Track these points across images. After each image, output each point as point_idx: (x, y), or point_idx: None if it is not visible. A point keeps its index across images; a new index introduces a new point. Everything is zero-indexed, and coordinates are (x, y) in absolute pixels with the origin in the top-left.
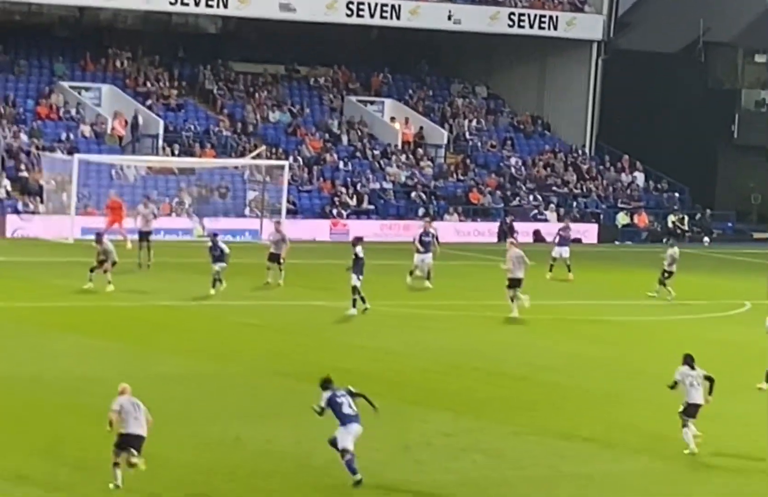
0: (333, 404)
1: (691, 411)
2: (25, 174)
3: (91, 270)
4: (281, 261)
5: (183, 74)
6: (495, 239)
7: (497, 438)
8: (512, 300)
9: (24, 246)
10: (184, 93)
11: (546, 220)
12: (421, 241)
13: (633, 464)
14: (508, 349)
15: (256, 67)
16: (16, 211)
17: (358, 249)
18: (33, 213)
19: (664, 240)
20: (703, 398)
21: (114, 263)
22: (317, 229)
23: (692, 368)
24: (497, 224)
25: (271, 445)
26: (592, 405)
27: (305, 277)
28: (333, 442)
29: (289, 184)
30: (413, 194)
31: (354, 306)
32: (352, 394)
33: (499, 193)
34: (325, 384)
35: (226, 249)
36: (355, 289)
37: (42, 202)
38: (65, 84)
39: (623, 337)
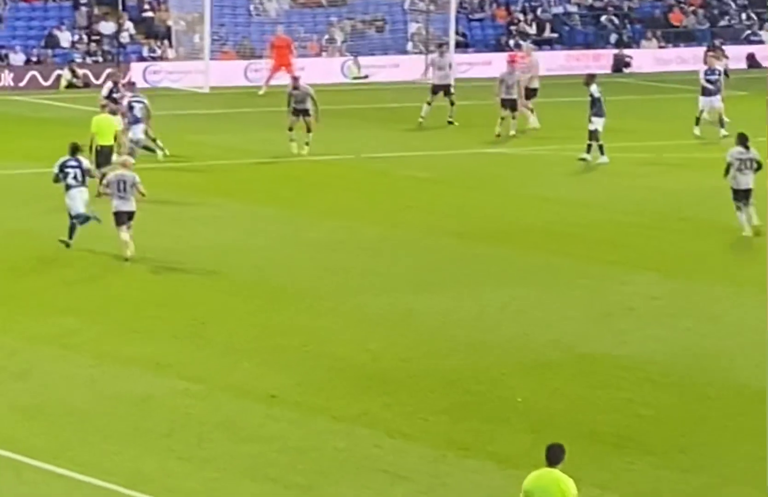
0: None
1: (740, 196)
2: (149, 14)
3: (290, 129)
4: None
5: None
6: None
7: (712, 302)
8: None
9: (151, 97)
10: None
11: (761, 42)
12: (708, 80)
13: None
14: (719, 195)
15: None
16: (142, 58)
17: (593, 88)
18: (161, 58)
19: None
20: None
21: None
22: (491, 64)
23: (746, 148)
24: (703, 49)
25: (448, 318)
26: None
27: (479, 120)
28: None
29: (458, 12)
30: (603, 18)
31: (588, 152)
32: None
33: (703, 12)
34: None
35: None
36: (593, 134)
37: (171, 46)
38: None
39: None
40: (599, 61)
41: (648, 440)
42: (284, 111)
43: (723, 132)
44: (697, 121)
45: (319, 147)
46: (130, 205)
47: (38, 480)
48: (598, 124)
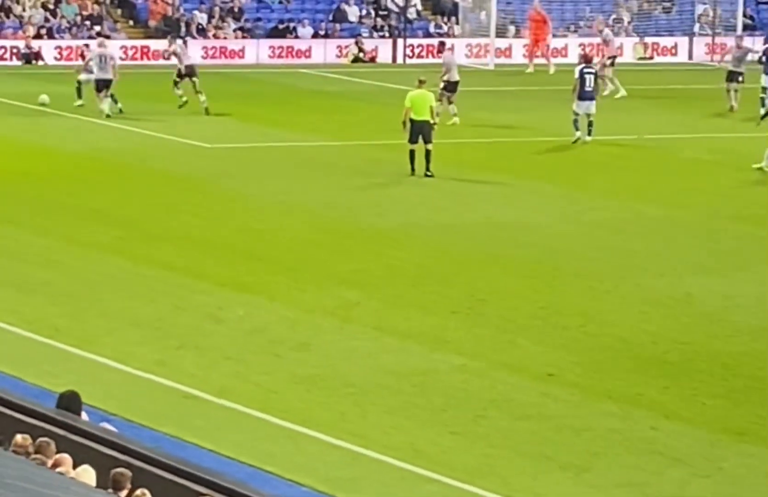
0: None
1: None
2: None
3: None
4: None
5: None
6: None
7: None
8: None
9: (436, 73)
10: None
11: None
12: None
13: None
14: None
15: None
16: (428, 34)
17: None
18: (447, 35)
19: None
20: None
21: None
22: None
23: None
24: None
25: (729, 302)
26: None
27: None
28: None
29: None
30: None
31: None
32: None
33: None
34: None
35: None
36: None
37: (457, 22)
38: None
39: None
40: None
41: None
42: (564, 88)
43: None
44: None
45: (601, 128)
46: None
47: (316, 450)
48: None
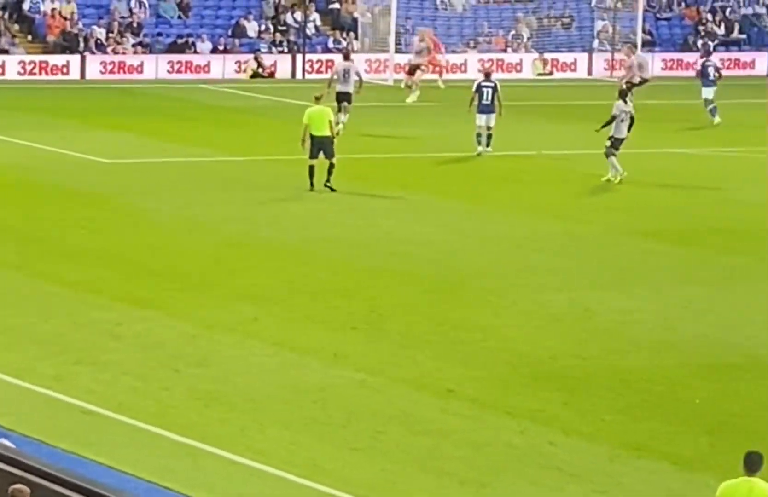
0: None
1: None
2: (336, 5)
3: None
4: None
5: None
6: None
7: None
8: None
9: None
10: None
11: None
12: None
13: None
14: None
15: None
16: (327, 49)
17: None
18: (347, 50)
19: None
20: None
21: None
22: (676, 64)
23: None
24: None
25: (628, 317)
26: None
27: (671, 118)
28: None
29: (645, 10)
30: None
31: None
32: None
33: None
34: None
35: None
36: None
37: (356, 38)
38: None
39: None
40: None
41: None
42: (459, 104)
43: None
44: None
45: (501, 143)
46: None
47: (215, 466)
48: None
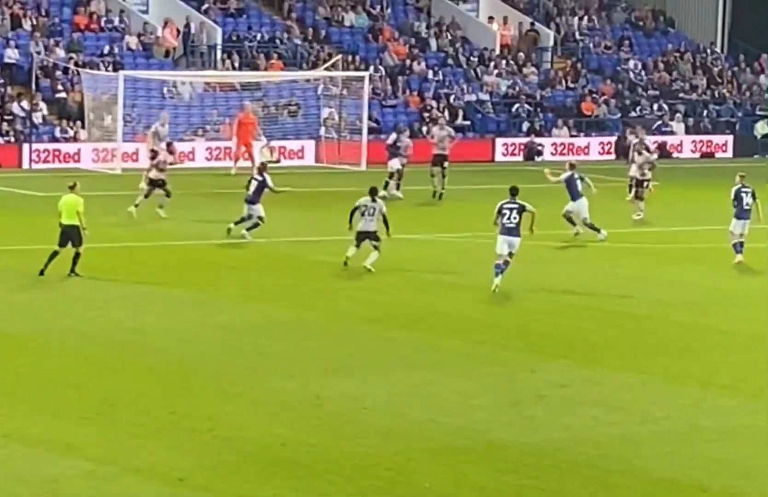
0: None
1: None
2: (63, 95)
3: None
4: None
5: None
6: (612, 156)
7: (620, 389)
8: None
9: (63, 178)
10: None
11: (672, 133)
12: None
13: None
14: (630, 284)
15: None
16: (54, 139)
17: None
18: (73, 140)
19: None
20: None
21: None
22: None
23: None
24: (614, 138)
25: (357, 403)
26: (733, 348)
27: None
28: None
29: (371, 98)
30: (515, 107)
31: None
32: None
33: (615, 102)
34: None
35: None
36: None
37: (83, 127)
38: None
39: None
40: (511, 149)
41: None
42: (189, 193)
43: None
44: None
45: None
46: None
47: None
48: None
